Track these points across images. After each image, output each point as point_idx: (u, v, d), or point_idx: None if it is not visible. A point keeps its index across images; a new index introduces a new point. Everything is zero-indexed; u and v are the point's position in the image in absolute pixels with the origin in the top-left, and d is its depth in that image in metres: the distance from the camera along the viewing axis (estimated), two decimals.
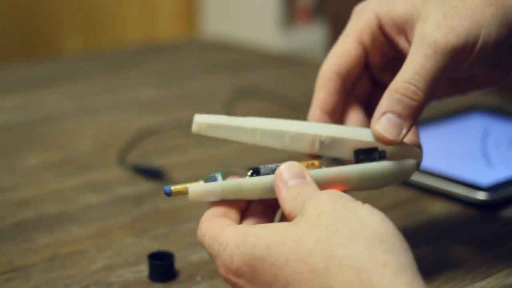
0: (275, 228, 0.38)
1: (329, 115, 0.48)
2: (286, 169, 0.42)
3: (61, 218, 0.58)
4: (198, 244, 0.53)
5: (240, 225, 0.42)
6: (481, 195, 0.59)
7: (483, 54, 0.44)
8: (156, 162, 0.70)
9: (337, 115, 0.49)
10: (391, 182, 0.46)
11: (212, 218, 0.43)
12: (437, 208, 0.60)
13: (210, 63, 1.16)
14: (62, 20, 1.93)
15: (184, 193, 0.44)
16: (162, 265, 0.49)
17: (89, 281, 0.49)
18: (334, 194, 0.39)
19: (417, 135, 0.48)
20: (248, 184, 0.43)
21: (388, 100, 0.43)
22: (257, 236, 0.38)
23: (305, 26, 2.11)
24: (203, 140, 0.77)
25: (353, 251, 0.35)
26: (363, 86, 0.50)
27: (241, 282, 0.38)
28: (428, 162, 0.64)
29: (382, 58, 0.49)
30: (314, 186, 0.41)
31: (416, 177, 0.63)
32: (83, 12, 1.96)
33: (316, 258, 0.35)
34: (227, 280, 0.39)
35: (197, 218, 0.58)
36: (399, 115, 0.43)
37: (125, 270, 0.50)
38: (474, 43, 0.44)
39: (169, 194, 0.43)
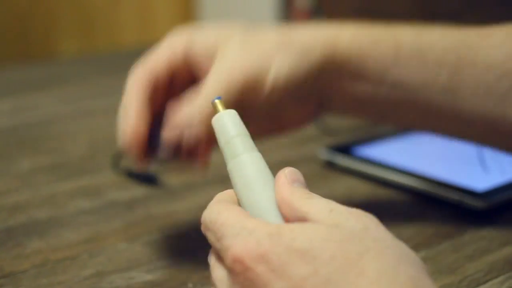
0: (316, 226, 0.35)
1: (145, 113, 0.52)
2: (293, 171, 0.39)
3: (53, 223, 0.57)
4: (190, 251, 0.53)
5: None
6: (476, 201, 0.58)
7: (277, 88, 0.50)
8: (150, 167, 0.69)
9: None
10: None
11: (233, 204, 0.39)
12: (433, 213, 0.60)
13: None
14: (58, 22, 1.92)
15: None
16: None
17: (80, 287, 0.48)
18: (373, 217, 0.36)
19: None
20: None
21: (170, 131, 0.50)
22: (295, 231, 0.34)
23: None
24: None
25: (408, 270, 0.33)
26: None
27: (260, 268, 0.34)
28: (424, 167, 0.64)
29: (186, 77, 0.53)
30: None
31: (412, 183, 0.63)
32: (79, 14, 1.96)
33: (367, 264, 0.32)
34: (237, 263, 0.35)
35: (189, 224, 0.58)
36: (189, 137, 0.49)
37: (117, 276, 0.49)
38: (265, 76, 0.50)
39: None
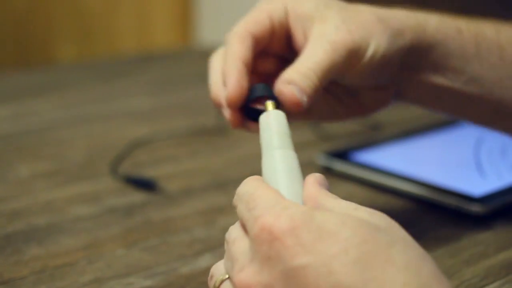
0: (347, 215, 0.35)
1: (248, 69, 0.49)
2: (322, 177, 0.41)
3: (52, 230, 0.57)
4: (189, 256, 0.53)
5: None
6: (474, 206, 0.59)
7: (371, 65, 0.49)
8: (148, 172, 0.69)
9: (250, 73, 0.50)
10: None
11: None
12: (430, 218, 0.60)
13: (204, 72, 1.16)
14: (56, 28, 1.93)
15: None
16: None
17: None
18: (394, 221, 0.38)
19: None
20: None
21: (294, 75, 0.46)
22: (328, 215, 0.35)
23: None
24: (196, 150, 0.77)
25: (430, 266, 0.34)
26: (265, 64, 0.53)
27: (290, 241, 0.34)
28: (421, 172, 0.65)
29: (279, 45, 0.52)
30: None
31: (409, 188, 0.63)
32: (77, 20, 1.96)
33: (395, 253, 0.33)
34: (265, 231, 0.34)
35: (188, 230, 0.58)
36: (303, 90, 0.46)
37: (115, 282, 0.50)
38: (365, 50, 0.49)
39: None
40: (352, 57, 0.48)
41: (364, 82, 0.52)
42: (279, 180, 0.40)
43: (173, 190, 0.66)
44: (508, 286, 0.49)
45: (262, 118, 0.45)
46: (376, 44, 0.49)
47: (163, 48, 2.01)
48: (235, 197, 0.39)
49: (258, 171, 0.44)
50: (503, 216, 0.60)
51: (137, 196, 0.64)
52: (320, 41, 0.48)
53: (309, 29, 0.49)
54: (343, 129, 0.82)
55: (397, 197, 0.64)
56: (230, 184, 0.67)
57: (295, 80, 0.46)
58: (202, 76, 1.12)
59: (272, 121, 0.44)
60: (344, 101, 0.55)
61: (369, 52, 0.49)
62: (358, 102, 0.55)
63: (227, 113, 0.49)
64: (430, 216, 0.61)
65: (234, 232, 0.38)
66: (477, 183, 0.63)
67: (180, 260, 0.53)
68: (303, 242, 0.33)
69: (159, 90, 1.03)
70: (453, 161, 0.69)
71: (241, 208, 0.38)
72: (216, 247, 0.55)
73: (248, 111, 0.48)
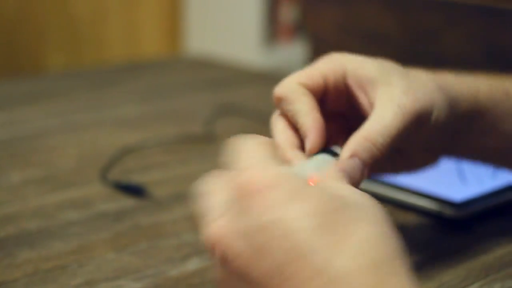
0: (328, 187, 0.39)
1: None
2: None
3: (43, 234, 0.59)
4: (177, 259, 0.55)
5: None
6: (453, 211, 0.60)
7: (430, 130, 0.50)
8: (138, 178, 0.71)
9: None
10: None
11: (266, 145, 0.42)
12: (411, 222, 0.62)
13: (192, 80, 1.18)
14: (46, 37, 1.93)
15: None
16: None
17: None
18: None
19: None
20: None
21: (358, 146, 0.46)
22: (305, 181, 0.39)
23: (287, 43, 2.13)
24: (184, 157, 0.79)
25: (391, 247, 0.37)
26: None
27: (264, 197, 0.36)
28: (402, 178, 0.66)
29: (334, 104, 0.52)
30: None
31: (390, 192, 0.64)
32: (67, 29, 1.97)
33: (358, 229, 0.36)
34: (251, 185, 0.37)
35: (177, 234, 0.59)
36: (364, 163, 0.46)
37: (105, 285, 0.51)
38: (429, 116, 0.49)
39: None
40: (418, 122, 0.49)
41: (418, 145, 0.53)
42: None
43: (162, 196, 0.67)
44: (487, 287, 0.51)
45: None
46: (438, 111, 0.50)
47: (151, 57, 2.03)
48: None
49: None
50: (483, 220, 0.62)
51: (126, 202, 0.66)
52: (390, 104, 0.48)
53: (374, 92, 0.49)
54: None
55: (379, 201, 0.65)
56: None
57: (358, 153, 0.46)
58: (190, 84, 1.14)
59: None
60: (392, 158, 0.54)
61: (432, 118, 0.49)
62: (407, 161, 0.55)
63: None
64: (410, 220, 0.62)
65: (212, 184, 0.40)
66: (457, 189, 0.64)
67: (168, 263, 0.54)
68: (280, 198, 0.36)
69: (148, 98, 1.05)
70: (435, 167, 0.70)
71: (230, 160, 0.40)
72: (204, 251, 0.56)
73: None
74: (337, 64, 0.51)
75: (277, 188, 0.36)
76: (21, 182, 0.70)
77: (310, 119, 0.47)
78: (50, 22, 1.93)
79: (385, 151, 0.47)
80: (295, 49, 2.07)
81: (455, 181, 0.67)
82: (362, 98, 0.50)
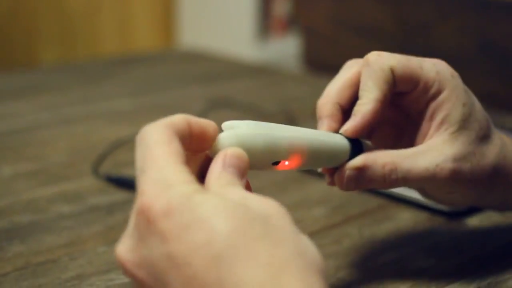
0: (228, 201, 0.35)
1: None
2: (235, 155, 0.39)
3: (34, 228, 0.58)
4: None
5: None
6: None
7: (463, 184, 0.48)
8: (130, 172, 0.70)
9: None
10: (331, 163, 0.47)
11: (174, 138, 0.38)
12: (405, 216, 0.62)
13: (185, 73, 1.17)
14: (38, 31, 1.93)
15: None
16: None
17: None
18: (283, 208, 0.37)
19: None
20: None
21: (371, 162, 0.47)
22: (206, 198, 0.35)
23: (280, 37, 2.13)
24: None
25: (300, 264, 0.34)
26: None
27: (162, 225, 0.34)
28: None
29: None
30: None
31: None
32: (60, 22, 1.96)
33: (261, 249, 0.33)
34: (143, 213, 0.35)
35: None
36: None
37: (96, 278, 0.51)
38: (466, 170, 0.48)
39: None
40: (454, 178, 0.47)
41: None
42: None
43: None
44: (480, 280, 0.51)
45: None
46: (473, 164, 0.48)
47: (145, 50, 2.02)
48: (137, 137, 0.38)
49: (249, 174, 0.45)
50: (475, 214, 0.62)
51: (118, 195, 0.65)
52: (434, 159, 0.47)
53: (437, 113, 0.48)
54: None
55: (374, 194, 0.65)
56: None
57: (367, 166, 0.47)
58: (183, 77, 1.14)
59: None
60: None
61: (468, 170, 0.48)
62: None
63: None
64: (405, 213, 0.62)
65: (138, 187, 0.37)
66: None
67: None
68: (174, 228, 0.34)
69: (140, 92, 1.04)
70: None
71: (137, 156, 0.38)
72: None
73: None
74: (384, 66, 0.48)
75: (170, 217, 0.34)
76: (13, 175, 0.70)
77: (368, 107, 0.47)
78: (44, 16, 1.93)
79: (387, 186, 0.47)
80: (288, 43, 2.06)
81: None
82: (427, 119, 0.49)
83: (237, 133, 0.41)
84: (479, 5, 1.06)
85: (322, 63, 1.23)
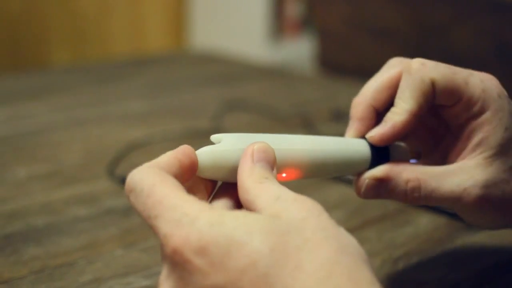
0: (258, 217, 0.35)
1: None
2: (262, 149, 0.39)
3: (50, 230, 0.58)
4: None
5: (213, 206, 0.38)
6: None
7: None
8: None
9: None
10: (343, 171, 0.46)
11: (168, 174, 0.37)
12: (424, 220, 0.61)
13: (198, 75, 1.17)
14: (50, 32, 1.93)
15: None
16: None
17: None
18: (317, 204, 0.37)
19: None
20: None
21: (394, 172, 0.45)
22: (237, 221, 0.34)
23: (293, 38, 2.12)
24: None
25: (345, 262, 0.33)
26: None
27: (199, 262, 0.33)
28: None
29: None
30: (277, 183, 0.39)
31: None
32: (71, 23, 1.96)
33: (304, 257, 0.33)
34: (176, 255, 0.34)
35: None
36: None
37: (114, 282, 0.50)
38: (497, 194, 0.45)
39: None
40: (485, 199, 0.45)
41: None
42: None
43: None
44: (502, 286, 0.50)
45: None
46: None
47: (156, 51, 2.02)
48: (126, 186, 0.37)
49: None
50: None
51: None
52: (463, 187, 0.45)
53: (475, 132, 0.46)
54: (335, 130, 0.83)
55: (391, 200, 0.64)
56: None
57: (390, 176, 0.45)
58: (197, 79, 1.13)
59: None
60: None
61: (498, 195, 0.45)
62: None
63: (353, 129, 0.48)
64: (424, 217, 0.61)
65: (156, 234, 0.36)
66: None
67: None
68: (213, 261, 0.33)
69: (153, 93, 1.04)
70: None
71: (138, 206, 0.36)
72: None
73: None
74: (425, 78, 0.46)
75: (207, 251, 0.33)
76: (27, 177, 0.70)
77: (400, 118, 0.45)
78: (55, 17, 1.93)
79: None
80: (301, 44, 2.06)
81: None
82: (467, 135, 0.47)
83: (212, 149, 0.40)
84: (496, 7, 1.05)
85: (337, 65, 1.23)
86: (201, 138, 0.83)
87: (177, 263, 0.34)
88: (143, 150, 0.77)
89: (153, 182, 0.36)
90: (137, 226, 0.59)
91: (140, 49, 2.07)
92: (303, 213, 0.35)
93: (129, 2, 2.08)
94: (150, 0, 2.13)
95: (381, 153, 0.46)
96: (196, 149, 0.41)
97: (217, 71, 1.21)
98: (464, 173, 0.45)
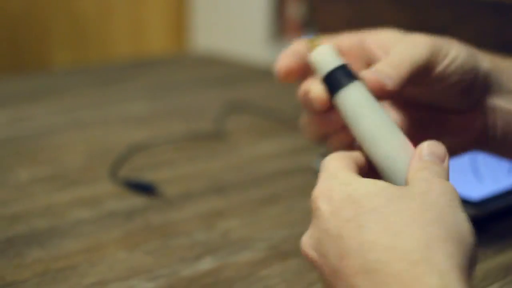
0: (384, 186, 0.40)
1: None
2: (427, 145, 0.44)
3: (53, 233, 0.58)
4: (190, 259, 0.54)
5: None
6: (471, 210, 0.59)
7: (451, 73, 0.50)
8: (147, 176, 0.70)
9: None
10: None
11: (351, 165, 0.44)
12: None
13: (200, 77, 1.17)
14: (51, 34, 1.93)
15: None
16: None
17: None
18: (453, 190, 0.41)
19: None
20: None
21: (379, 66, 0.49)
22: (361, 184, 0.40)
23: (294, 39, 2.12)
24: (194, 155, 0.78)
25: (443, 246, 0.36)
26: None
27: (324, 207, 0.40)
28: None
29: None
30: (446, 172, 0.43)
31: None
32: (72, 26, 1.96)
33: (399, 224, 0.37)
34: (313, 202, 0.41)
35: (189, 233, 0.58)
36: (387, 75, 0.48)
37: (117, 284, 0.50)
38: (446, 54, 0.50)
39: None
40: (434, 57, 0.49)
41: (448, 99, 0.53)
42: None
43: (172, 194, 0.66)
44: (502, 286, 0.50)
45: (315, 55, 0.52)
46: (456, 52, 0.50)
47: (158, 53, 2.02)
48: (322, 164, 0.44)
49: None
50: (500, 219, 0.61)
51: (136, 200, 0.65)
52: (404, 43, 0.50)
53: (387, 49, 0.51)
54: None
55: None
56: (228, 188, 0.68)
57: (379, 69, 0.48)
58: (198, 81, 1.13)
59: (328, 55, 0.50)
60: (431, 129, 0.55)
61: (450, 56, 0.50)
62: (446, 131, 0.55)
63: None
64: None
65: None
66: (473, 187, 0.63)
67: (181, 263, 0.53)
68: (332, 210, 0.40)
69: (155, 95, 1.04)
70: (450, 165, 0.69)
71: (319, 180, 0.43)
72: (217, 250, 0.55)
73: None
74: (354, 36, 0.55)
75: (330, 199, 0.40)
76: (30, 180, 0.69)
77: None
78: (56, 19, 1.93)
79: (403, 79, 0.48)
80: None
81: (470, 178, 0.66)
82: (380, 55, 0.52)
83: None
84: (497, 8, 1.05)
85: None
86: (203, 141, 0.83)
87: (313, 209, 0.41)
88: (145, 153, 0.77)
89: (336, 164, 0.44)
90: (140, 228, 0.59)
91: (141, 51, 2.07)
92: (427, 188, 0.40)
93: (131, 4, 2.08)
94: (151, 2, 2.13)
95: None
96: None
97: (219, 73, 1.21)
98: (404, 42, 0.50)
